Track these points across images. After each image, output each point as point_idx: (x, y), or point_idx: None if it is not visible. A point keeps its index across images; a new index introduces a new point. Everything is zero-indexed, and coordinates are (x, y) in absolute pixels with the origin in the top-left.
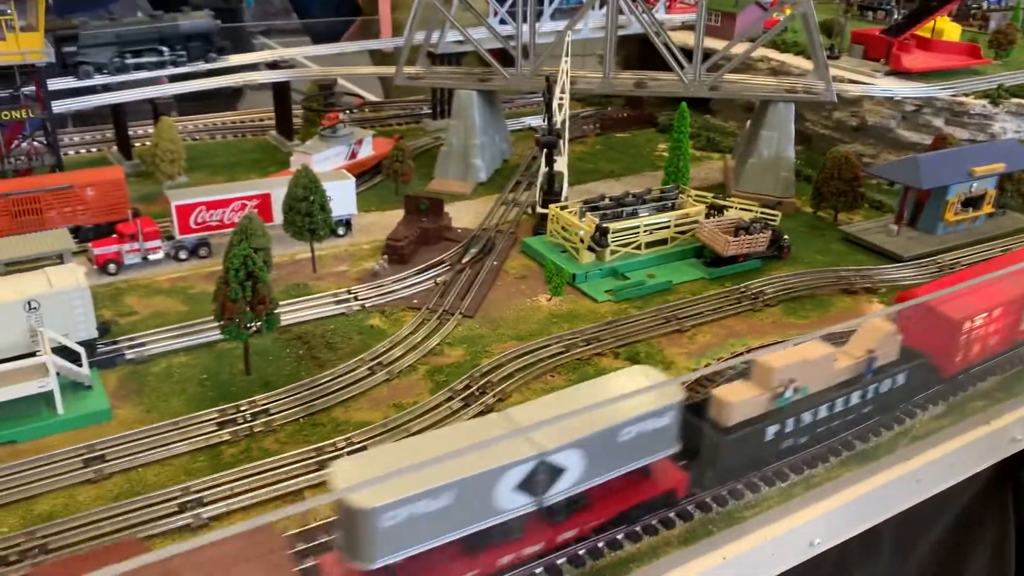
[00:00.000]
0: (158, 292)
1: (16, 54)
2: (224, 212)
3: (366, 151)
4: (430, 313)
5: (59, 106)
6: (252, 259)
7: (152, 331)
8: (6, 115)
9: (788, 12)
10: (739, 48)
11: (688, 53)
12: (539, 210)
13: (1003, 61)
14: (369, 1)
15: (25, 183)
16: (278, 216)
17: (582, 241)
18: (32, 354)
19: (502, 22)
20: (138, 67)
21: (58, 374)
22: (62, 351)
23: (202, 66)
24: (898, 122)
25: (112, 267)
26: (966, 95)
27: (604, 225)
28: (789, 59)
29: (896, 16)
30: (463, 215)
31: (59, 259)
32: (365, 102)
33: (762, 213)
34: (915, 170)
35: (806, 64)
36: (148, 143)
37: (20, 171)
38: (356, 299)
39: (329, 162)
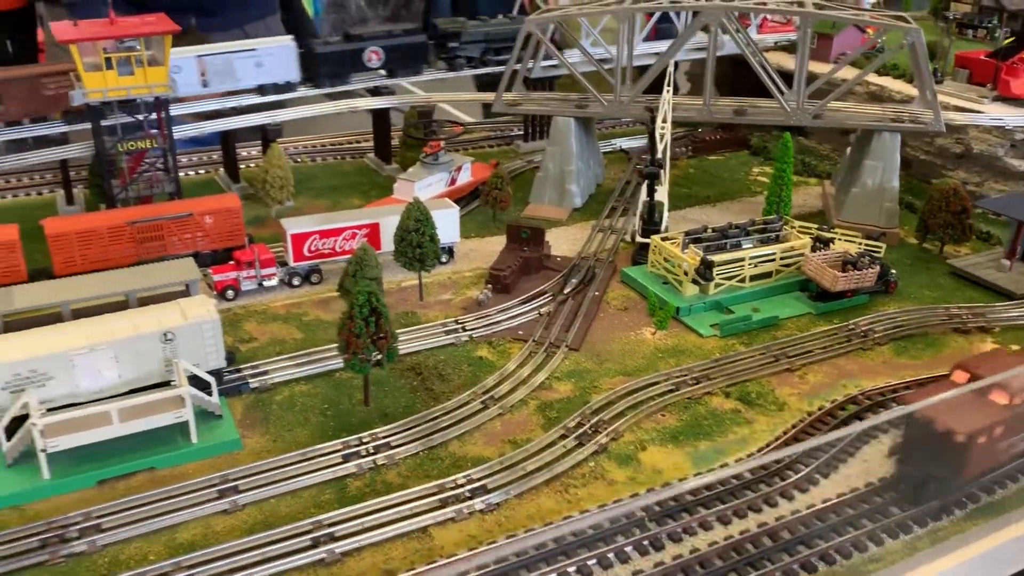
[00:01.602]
0: (274, 318)
1: (143, 87)
2: (336, 241)
3: (464, 177)
4: (536, 345)
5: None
6: (376, 295)
7: (273, 359)
8: (132, 145)
9: (885, 39)
10: (841, 74)
11: (783, 76)
12: (639, 239)
13: None
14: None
15: (148, 211)
16: (386, 244)
17: (686, 274)
18: (167, 383)
19: (593, 44)
20: (498, 62)
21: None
22: (192, 380)
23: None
24: (1006, 150)
25: (230, 293)
26: None
27: (709, 258)
28: (888, 82)
29: (999, 34)
30: (560, 242)
31: (185, 288)
32: (465, 130)
33: (866, 245)
34: None
35: (907, 88)
36: (255, 165)
37: (141, 198)
38: (463, 329)
39: (430, 189)
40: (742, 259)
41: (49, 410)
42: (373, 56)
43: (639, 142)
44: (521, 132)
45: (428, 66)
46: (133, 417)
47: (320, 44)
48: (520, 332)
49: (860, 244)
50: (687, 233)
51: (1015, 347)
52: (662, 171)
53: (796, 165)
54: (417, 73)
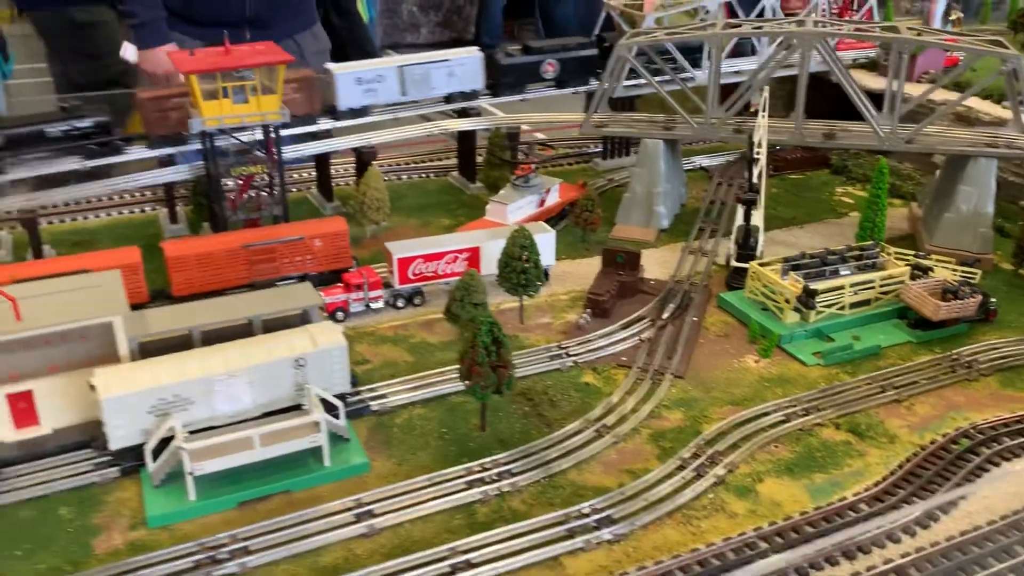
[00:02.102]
0: (384, 340)
1: (256, 115)
2: (438, 264)
3: (553, 198)
4: (642, 372)
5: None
6: (497, 326)
7: (388, 382)
8: (243, 170)
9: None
10: (930, 97)
11: (868, 96)
12: (734, 263)
13: None
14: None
15: (260, 234)
16: (484, 267)
17: (787, 301)
18: (297, 406)
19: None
20: (655, 72)
21: None
22: (320, 404)
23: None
24: None
25: (340, 315)
26: None
27: (812, 287)
28: (975, 103)
29: None
30: (650, 265)
31: (304, 313)
32: (556, 152)
33: (962, 272)
34: None
35: (995, 109)
36: (347, 184)
37: (249, 221)
38: (567, 355)
39: (522, 211)
40: (842, 287)
41: (190, 433)
42: (549, 68)
43: (719, 160)
44: (599, 149)
45: (593, 78)
46: (273, 442)
47: (503, 56)
48: (623, 358)
49: (955, 271)
50: (786, 260)
51: None
52: (758, 196)
53: None
54: (584, 84)
